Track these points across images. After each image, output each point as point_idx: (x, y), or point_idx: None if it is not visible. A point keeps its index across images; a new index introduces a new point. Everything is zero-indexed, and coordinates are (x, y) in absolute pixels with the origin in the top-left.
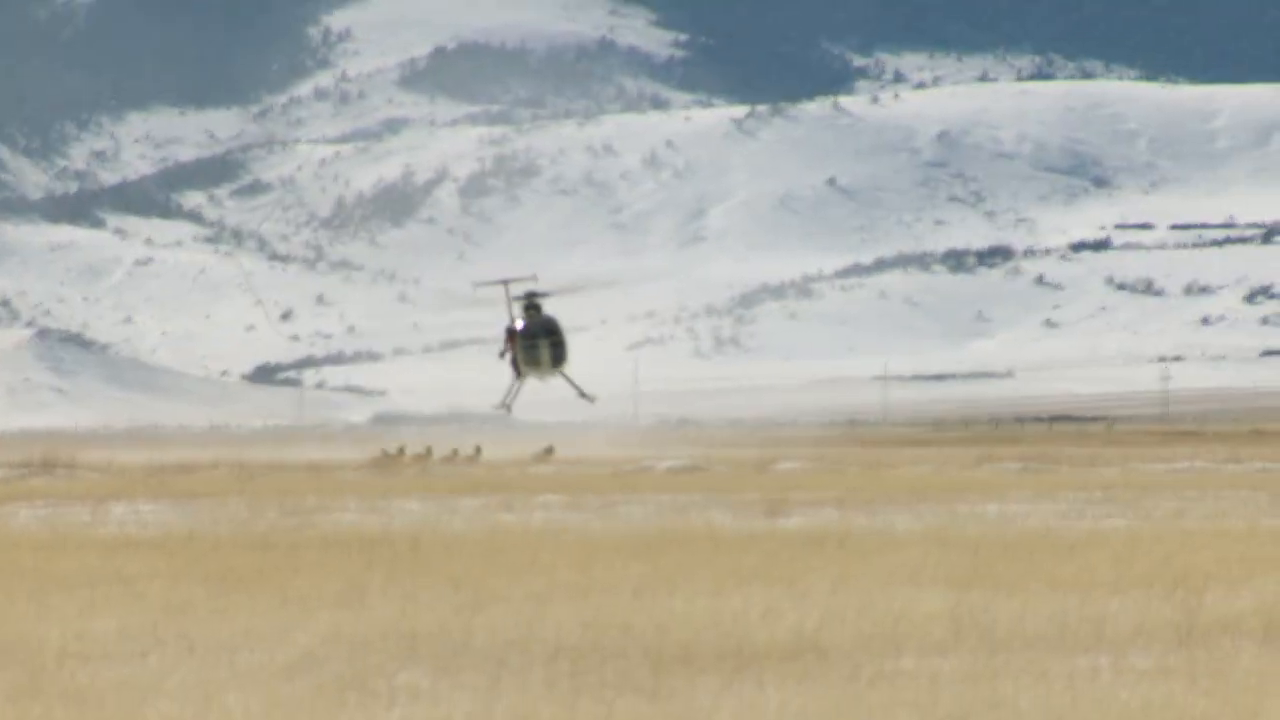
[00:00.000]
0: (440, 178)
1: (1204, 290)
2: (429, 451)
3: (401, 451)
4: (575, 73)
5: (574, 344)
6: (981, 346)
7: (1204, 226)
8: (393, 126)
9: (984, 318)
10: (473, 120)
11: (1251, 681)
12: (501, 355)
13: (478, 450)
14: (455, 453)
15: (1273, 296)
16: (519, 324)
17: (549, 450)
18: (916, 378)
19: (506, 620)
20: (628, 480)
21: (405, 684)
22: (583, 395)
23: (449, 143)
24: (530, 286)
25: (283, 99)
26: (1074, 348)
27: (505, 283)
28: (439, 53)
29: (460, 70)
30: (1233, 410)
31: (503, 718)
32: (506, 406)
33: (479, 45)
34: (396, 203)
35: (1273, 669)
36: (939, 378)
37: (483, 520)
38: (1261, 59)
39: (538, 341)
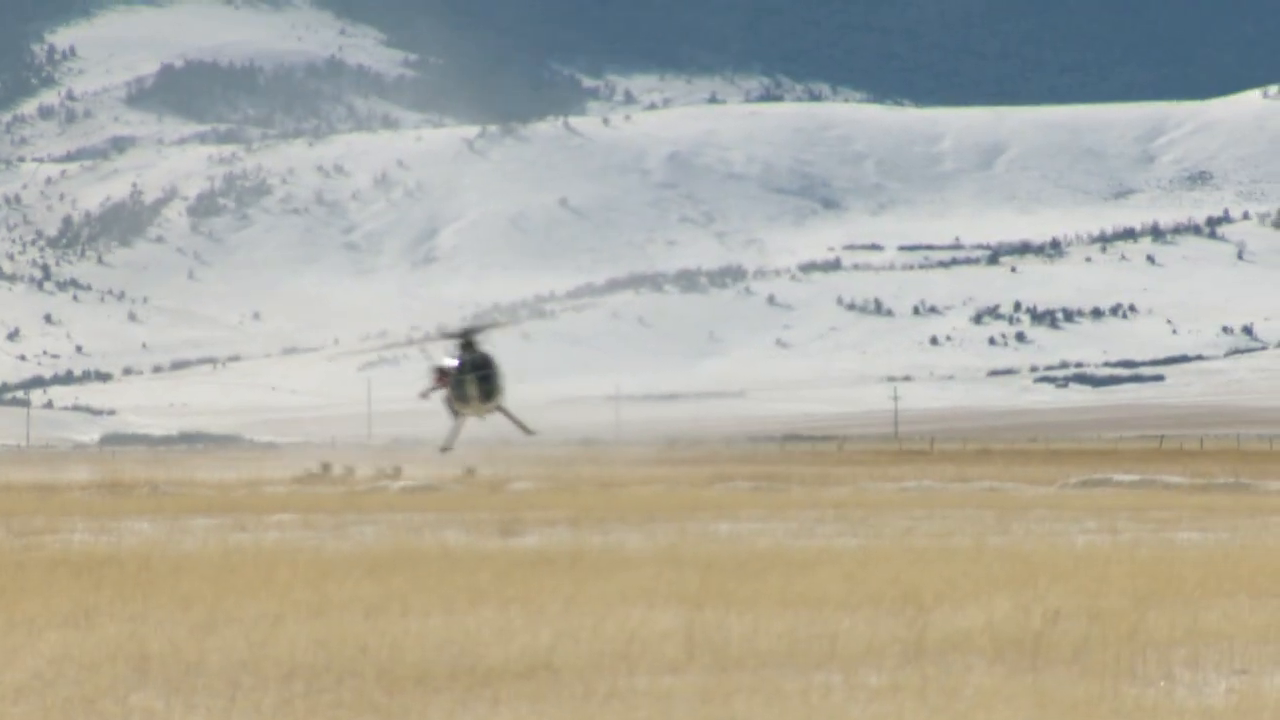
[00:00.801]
0: (169, 196)
1: (932, 310)
2: (351, 471)
3: (326, 469)
4: (305, 92)
5: (303, 363)
6: (714, 366)
7: (931, 248)
8: (120, 145)
9: (716, 338)
10: (201, 139)
11: (980, 698)
12: (424, 395)
13: (397, 471)
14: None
15: (999, 317)
16: (451, 361)
17: (470, 471)
18: (649, 397)
19: (239, 640)
20: (360, 500)
21: (137, 705)
22: (524, 430)
23: (178, 161)
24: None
25: (7, 117)
26: (805, 367)
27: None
28: (166, 71)
29: (188, 89)
30: (961, 430)
31: None
32: (447, 448)
33: (207, 64)
34: (125, 221)
35: (1001, 686)
36: (671, 397)
37: (215, 540)
38: (984, 83)
39: (464, 378)
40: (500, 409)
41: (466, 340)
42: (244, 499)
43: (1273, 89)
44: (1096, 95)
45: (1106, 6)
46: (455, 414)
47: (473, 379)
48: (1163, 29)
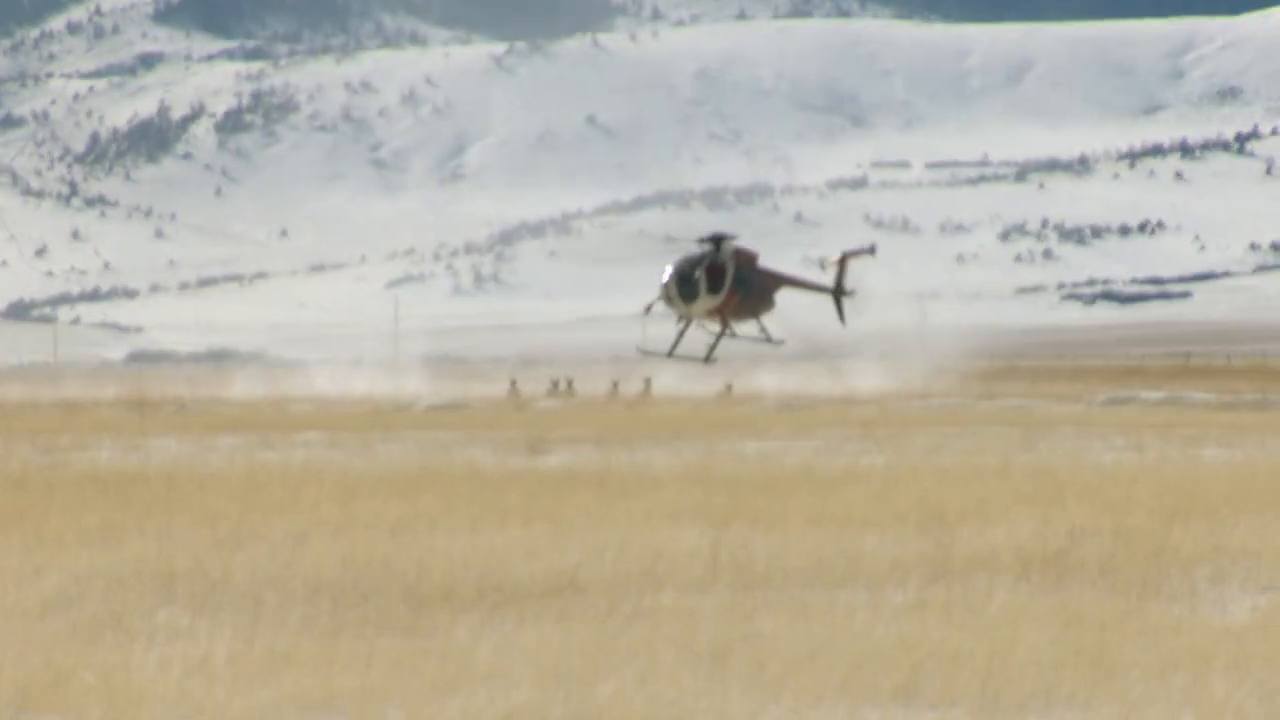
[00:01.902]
0: (196, 114)
1: (959, 228)
2: (569, 385)
3: (514, 386)
4: (333, 8)
5: (331, 280)
6: None
7: (958, 165)
8: (148, 62)
9: None
10: (229, 56)
11: (1005, 616)
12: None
13: (648, 384)
14: (615, 387)
15: (1026, 234)
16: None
17: (728, 388)
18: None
19: (265, 558)
20: (387, 418)
21: (163, 622)
22: (767, 339)
23: (205, 78)
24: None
25: (34, 33)
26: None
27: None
28: None
29: (216, 5)
30: (988, 347)
31: (262, 655)
32: (709, 359)
33: None
34: (152, 139)
35: (1026, 604)
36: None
37: (241, 459)
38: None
39: (668, 280)
40: (720, 315)
41: (714, 244)
42: (270, 418)
43: None
44: (1125, 11)
45: None
46: (677, 318)
47: (674, 279)
48: None
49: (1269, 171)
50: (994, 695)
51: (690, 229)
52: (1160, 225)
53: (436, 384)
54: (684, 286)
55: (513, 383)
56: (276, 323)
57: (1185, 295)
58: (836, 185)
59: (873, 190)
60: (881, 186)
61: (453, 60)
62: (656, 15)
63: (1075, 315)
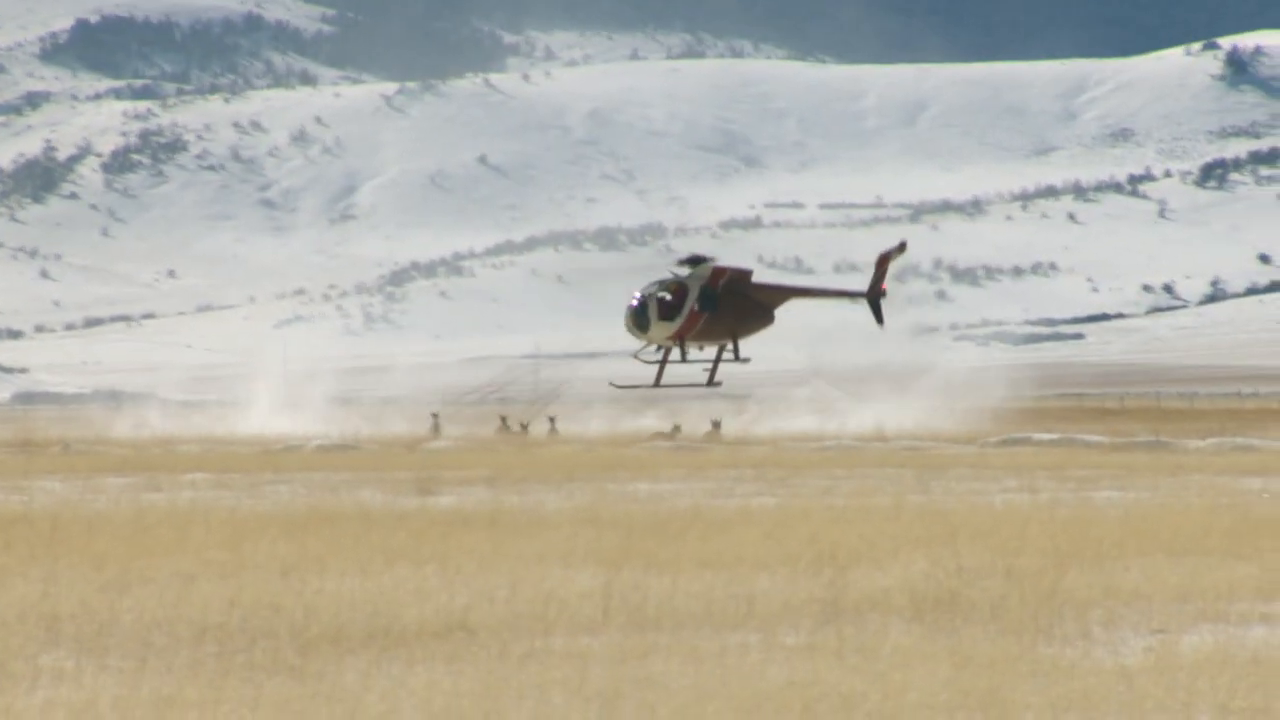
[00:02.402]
0: (84, 153)
1: (853, 268)
2: (676, 429)
3: (520, 424)
4: (221, 47)
5: (219, 321)
6: None
7: (852, 206)
8: (34, 100)
9: None
10: (117, 95)
11: (898, 658)
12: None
13: (716, 426)
14: (504, 423)
15: (919, 275)
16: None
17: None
18: (568, 355)
19: (152, 600)
20: (276, 459)
21: (48, 666)
22: (710, 378)
23: (92, 117)
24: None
25: None
26: None
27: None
28: (81, 26)
29: (103, 44)
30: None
31: (148, 699)
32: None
33: (122, 19)
34: (38, 178)
35: (918, 646)
36: (592, 355)
37: (128, 500)
38: (908, 39)
39: (626, 311)
40: (678, 340)
41: (691, 264)
42: (158, 458)
43: (1195, 46)
44: (1018, 52)
45: None
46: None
47: (629, 309)
48: None
49: (1161, 213)
50: None
51: (583, 270)
52: (1053, 266)
53: (326, 425)
54: (637, 315)
55: (503, 419)
56: (164, 363)
57: (1078, 336)
58: (730, 225)
59: (766, 231)
60: (775, 227)
61: (343, 99)
62: (549, 55)
63: (969, 355)
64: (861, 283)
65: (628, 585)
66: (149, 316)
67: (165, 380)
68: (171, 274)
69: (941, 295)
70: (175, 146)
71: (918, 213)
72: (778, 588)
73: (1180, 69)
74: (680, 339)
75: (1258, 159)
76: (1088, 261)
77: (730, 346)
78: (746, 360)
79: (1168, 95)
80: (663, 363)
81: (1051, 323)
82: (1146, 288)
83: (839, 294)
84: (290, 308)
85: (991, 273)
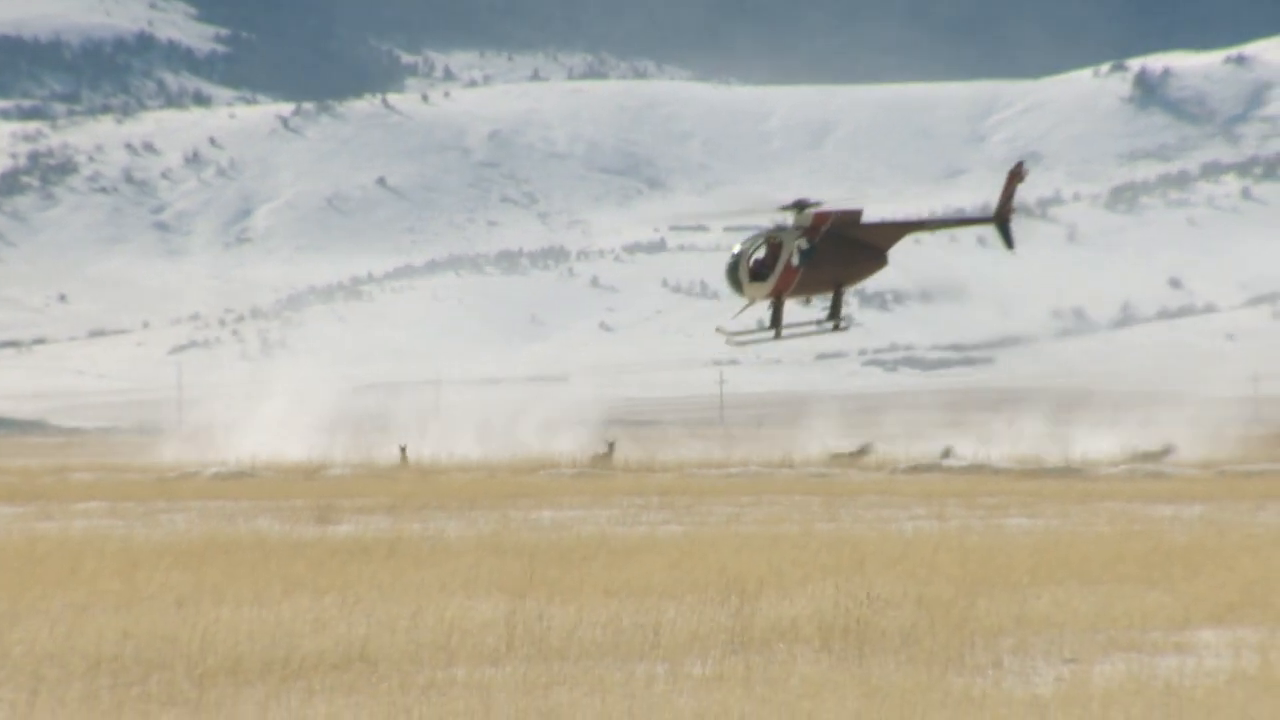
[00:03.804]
0: None
1: None
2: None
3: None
4: (113, 67)
5: (112, 346)
6: (536, 349)
7: (756, 229)
8: None
9: (538, 320)
10: (4, 116)
11: (806, 688)
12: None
13: (865, 449)
14: (403, 453)
15: (826, 299)
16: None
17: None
18: (469, 381)
19: (43, 632)
20: (171, 487)
21: None
22: (837, 323)
23: None
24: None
25: None
26: (629, 351)
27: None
28: None
29: None
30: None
31: None
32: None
33: (11, 38)
34: None
35: (827, 675)
36: (493, 381)
37: (19, 529)
38: (813, 61)
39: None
40: (776, 298)
41: (797, 209)
42: (50, 486)
43: (1104, 68)
44: (926, 74)
45: None
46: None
47: (726, 268)
48: (992, 7)
49: (1071, 237)
50: None
51: (484, 294)
52: (962, 290)
53: (225, 452)
54: (731, 274)
55: (402, 448)
56: (56, 390)
57: (988, 360)
58: (633, 249)
59: (670, 254)
60: (679, 250)
61: (238, 120)
62: (448, 76)
63: (877, 380)
64: (762, 309)
65: (531, 614)
66: (39, 342)
67: (57, 407)
68: (63, 298)
69: (850, 321)
70: (66, 168)
71: None
72: (684, 617)
73: (1089, 91)
74: (779, 295)
75: (1167, 182)
76: (997, 285)
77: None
78: (845, 328)
79: (1076, 117)
80: (776, 320)
81: (960, 347)
82: (1055, 311)
83: (963, 222)
84: (185, 333)
85: (900, 296)
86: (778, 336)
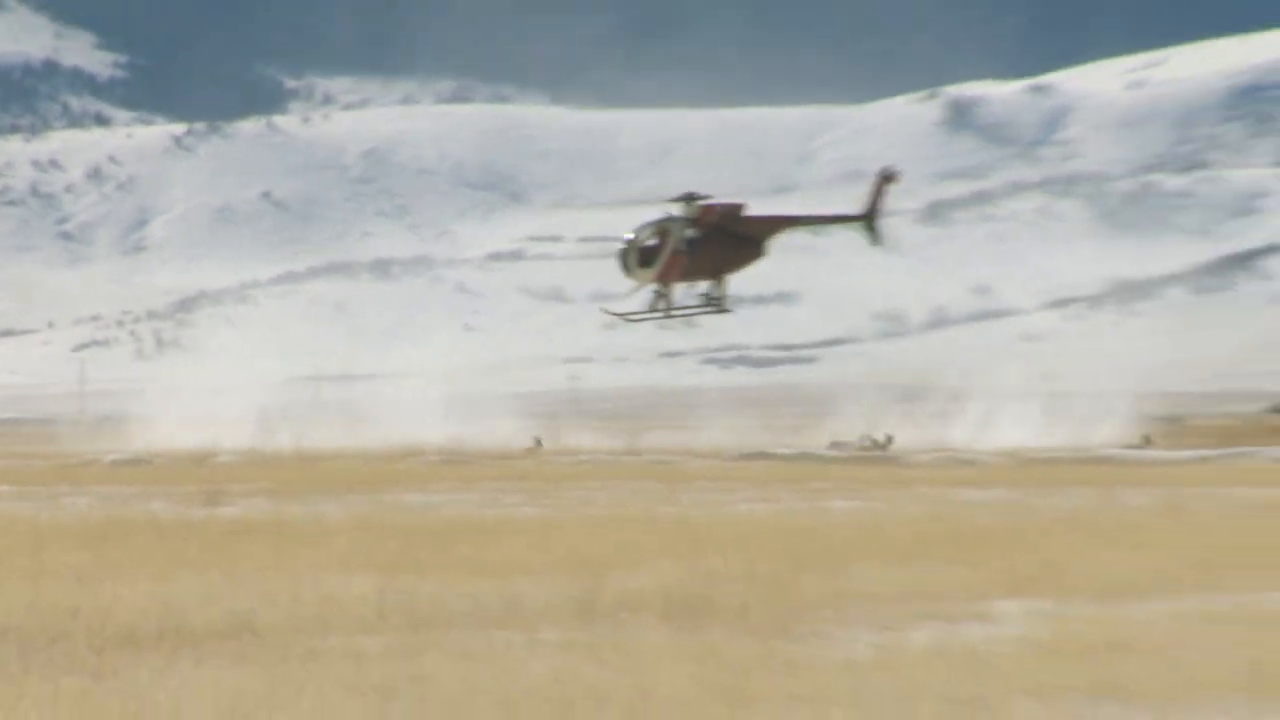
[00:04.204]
0: None
1: (609, 297)
2: (886, 440)
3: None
4: (21, 90)
5: (18, 346)
6: (406, 349)
7: (608, 239)
8: None
9: (407, 322)
10: None
11: (650, 655)
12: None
13: (889, 439)
14: (876, 442)
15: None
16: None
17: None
18: (346, 378)
19: None
20: (73, 472)
21: None
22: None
23: None
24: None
25: None
26: (490, 350)
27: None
28: None
29: None
30: (635, 407)
31: None
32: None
33: None
34: None
35: (668, 644)
36: (370, 377)
37: None
38: (658, 87)
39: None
40: (662, 282)
41: (685, 202)
42: None
43: (919, 95)
44: (760, 98)
45: (768, 14)
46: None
47: (619, 253)
48: (821, 39)
49: (889, 247)
50: None
51: (359, 298)
52: (792, 295)
53: (121, 442)
54: (622, 259)
55: (537, 440)
56: None
57: (813, 360)
58: (496, 257)
59: (529, 262)
60: (537, 259)
61: (135, 139)
62: (328, 99)
63: (713, 378)
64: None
65: (401, 589)
66: None
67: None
68: None
69: (690, 322)
70: None
71: None
72: (540, 590)
73: (906, 116)
74: (664, 282)
75: (975, 199)
76: (822, 290)
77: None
78: (728, 310)
79: (895, 140)
80: (655, 306)
81: (789, 347)
82: (875, 314)
83: (835, 219)
84: (87, 333)
85: (734, 300)
86: (668, 315)
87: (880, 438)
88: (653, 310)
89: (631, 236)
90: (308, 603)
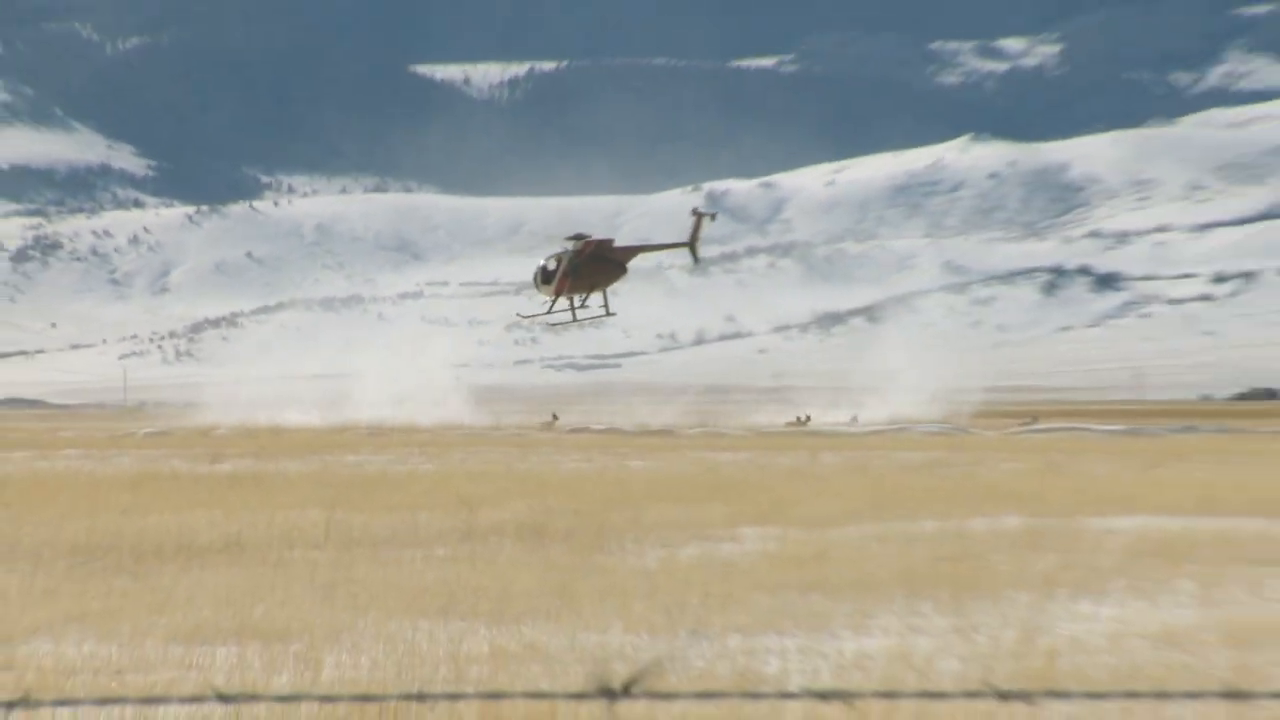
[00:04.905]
0: None
1: (481, 324)
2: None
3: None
4: (86, 184)
5: (82, 357)
6: (345, 360)
7: (487, 284)
8: None
9: (345, 341)
10: (18, 214)
11: (509, 564)
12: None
13: (808, 418)
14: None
15: (519, 329)
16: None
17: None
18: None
19: (40, 529)
20: (118, 441)
21: None
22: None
23: None
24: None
25: None
26: (401, 360)
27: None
28: None
29: None
30: (498, 397)
31: (40, 588)
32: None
33: (20, 165)
34: None
35: (522, 557)
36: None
37: (26, 466)
38: (510, 182)
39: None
40: (556, 295)
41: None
42: (46, 439)
43: (689, 188)
44: (576, 191)
45: (588, 134)
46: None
47: (534, 272)
48: (623, 145)
49: (668, 291)
50: (500, 613)
51: (310, 326)
52: (602, 320)
53: (151, 421)
54: (534, 278)
55: (554, 416)
56: (48, 380)
57: (618, 365)
58: (404, 296)
59: (426, 300)
60: (432, 297)
61: (161, 217)
62: (291, 190)
63: (552, 378)
64: (483, 332)
65: (340, 520)
66: (40, 351)
67: (49, 391)
68: (53, 325)
69: (534, 340)
70: (55, 245)
71: (519, 288)
72: (434, 521)
73: (681, 202)
74: (559, 294)
75: (726, 258)
76: (624, 318)
77: (570, 300)
78: (613, 314)
79: (674, 220)
80: (550, 310)
81: (601, 357)
82: (658, 335)
83: (668, 246)
84: (128, 347)
85: (568, 325)
86: (574, 320)
87: (802, 416)
88: (550, 313)
89: (541, 263)
90: (277, 528)
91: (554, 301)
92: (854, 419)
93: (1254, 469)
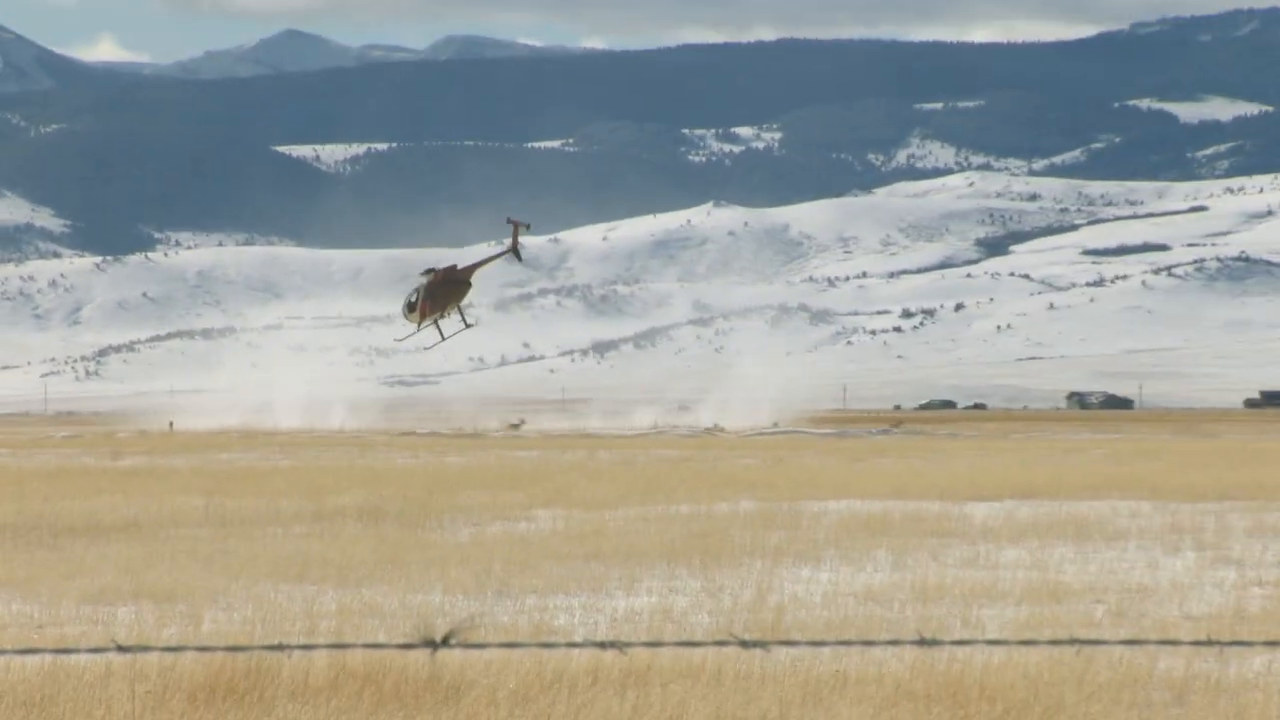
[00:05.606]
0: None
1: (330, 348)
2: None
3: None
4: (13, 240)
5: (9, 376)
6: (221, 378)
7: (328, 318)
8: None
9: (220, 364)
10: None
11: (351, 540)
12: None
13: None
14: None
15: (366, 352)
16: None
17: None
18: (188, 392)
19: None
20: (41, 442)
21: None
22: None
23: None
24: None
25: None
26: (268, 379)
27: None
28: None
29: None
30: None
31: None
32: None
33: None
34: None
35: (361, 533)
36: (199, 392)
37: None
38: (357, 233)
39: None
40: (421, 318)
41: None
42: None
43: (493, 241)
44: (413, 244)
45: (432, 190)
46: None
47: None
48: (457, 200)
49: (479, 321)
50: (342, 578)
51: (197, 352)
52: (459, 334)
53: (65, 427)
54: (403, 310)
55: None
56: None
57: (438, 383)
58: (269, 328)
59: (286, 331)
60: (291, 329)
61: (75, 265)
62: (178, 243)
63: (385, 393)
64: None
65: (216, 504)
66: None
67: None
68: None
69: (371, 362)
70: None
71: (359, 321)
72: (291, 504)
73: (488, 253)
74: (424, 318)
75: (522, 298)
76: (443, 344)
77: (460, 315)
78: (473, 325)
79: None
80: (420, 330)
81: (425, 375)
82: (470, 358)
83: (497, 256)
84: (48, 368)
85: (411, 351)
86: (442, 339)
87: (516, 420)
88: (419, 333)
89: (406, 298)
90: (167, 510)
91: (420, 325)
92: (520, 422)
93: (934, 463)
